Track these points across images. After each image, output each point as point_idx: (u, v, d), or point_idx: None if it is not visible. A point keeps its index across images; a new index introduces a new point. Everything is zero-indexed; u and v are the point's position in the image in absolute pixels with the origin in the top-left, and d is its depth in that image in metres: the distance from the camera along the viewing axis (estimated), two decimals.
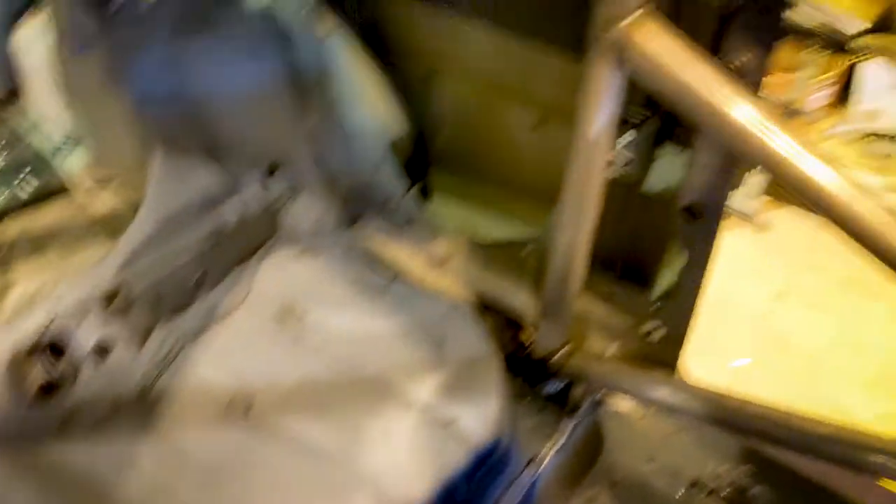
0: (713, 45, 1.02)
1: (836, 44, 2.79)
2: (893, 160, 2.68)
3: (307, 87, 1.43)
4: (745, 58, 0.94)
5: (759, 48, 0.92)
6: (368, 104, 1.48)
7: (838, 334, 2.46)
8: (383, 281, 1.42)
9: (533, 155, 1.48)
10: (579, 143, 1.05)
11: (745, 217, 2.77)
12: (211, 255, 1.36)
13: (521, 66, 1.36)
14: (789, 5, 0.88)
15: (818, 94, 2.80)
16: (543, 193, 1.40)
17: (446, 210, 1.61)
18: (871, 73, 2.72)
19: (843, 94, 2.87)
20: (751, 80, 0.94)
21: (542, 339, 1.33)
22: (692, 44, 0.91)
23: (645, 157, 1.18)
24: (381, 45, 1.50)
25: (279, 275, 1.42)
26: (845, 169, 0.85)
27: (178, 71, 1.35)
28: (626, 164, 1.18)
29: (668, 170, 1.18)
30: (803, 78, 2.46)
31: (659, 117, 1.17)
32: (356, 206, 1.55)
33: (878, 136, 2.81)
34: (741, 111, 0.87)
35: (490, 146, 1.55)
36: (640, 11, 0.89)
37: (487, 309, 1.44)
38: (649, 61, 0.91)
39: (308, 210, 1.51)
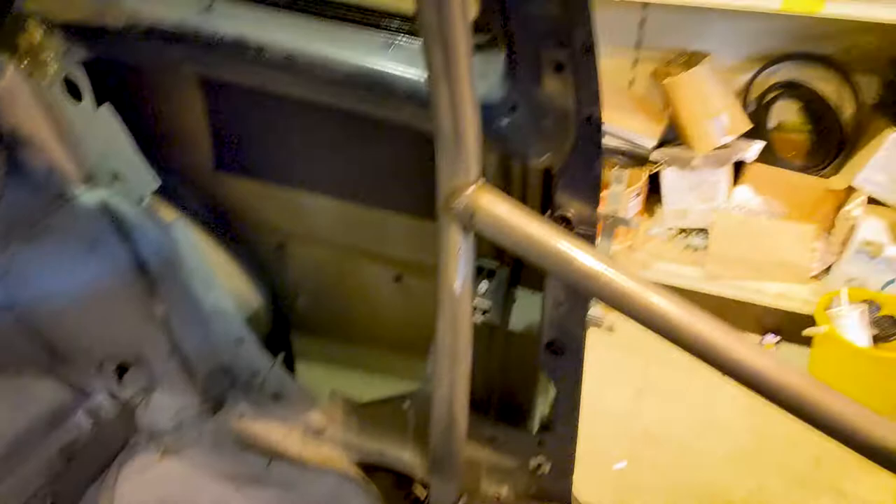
0: (543, 201, 1.13)
1: (637, 158, 3.16)
2: (706, 252, 3.01)
3: (154, 277, 1.38)
4: (574, 209, 1.04)
5: (586, 200, 1.03)
6: (220, 284, 1.45)
7: (697, 420, 2.64)
8: (260, 467, 1.34)
9: (395, 308, 1.51)
10: (443, 300, 1.09)
11: (594, 322, 2.95)
12: (63, 475, 1.23)
13: (372, 229, 1.41)
14: (601, 165, 1.00)
15: (632, 203, 3.13)
16: (411, 345, 1.42)
17: (316, 376, 1.58)
18: (670, 179, 3.09)
19: (654, 198, 3.22)
20: (584, 227, 1.04)
21: (437, 494, 1.31)
22: (525, 203, 1.00)
23: (502, 302, 1.25)
24: (228, 221, 1.50)
25: (143, 482, 1.30)
26: (678, 298, 0.95)
27: (7, 282, 1.26)
28: (486, 312, 1.23)
29: (527, 311, 1.25)
30: (617, 191, 2.73)
31: (508, 265, 1.25)
32: (219, 389, 1.48)
33: (689, 231, 3.16)
34: (578, 257, 0.96)
35: (351, 305, 1.57)
36: (478, 182, 0.97)
37: (375, 470, 1.40)
38: (493, 223, 0.98)
39: (167, 404, 1.41)
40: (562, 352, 1.16)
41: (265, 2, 1.11)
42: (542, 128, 1.00)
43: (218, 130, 1.40)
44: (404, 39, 1.07)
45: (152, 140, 1.34)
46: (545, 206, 1.16)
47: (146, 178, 1.32)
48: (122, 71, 1.31)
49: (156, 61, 1.19)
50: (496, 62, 0.99)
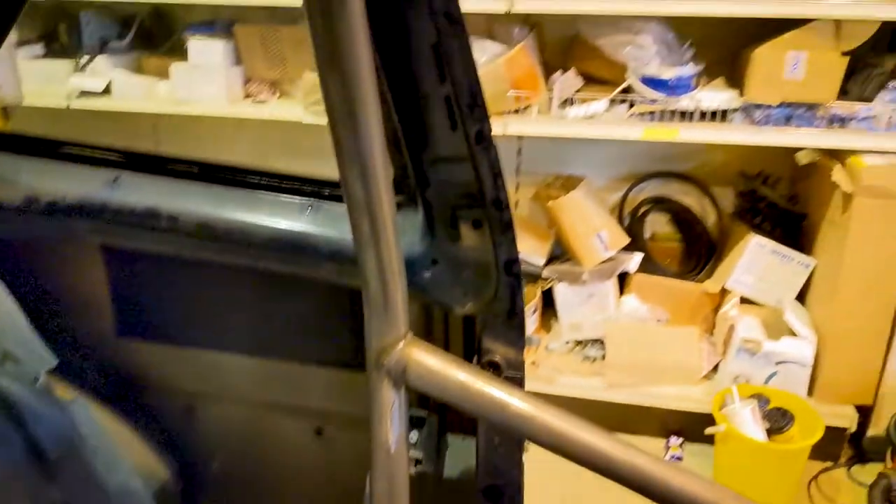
0: (467, 348, 1.16)
1: (530, 276, 3.30)
2: (604, 362, 3.12)
3: (52, 463, 1.26)
4: (501, 354, 1.07)
5: (511, 343, 1.06)
6: (125, 461, 1.35)
7: None
8: None
9: (317, 464, 1.45)
10: (378, 458, 1.06)
11: None
12: None
13: (288, 383, 1.37)
14: (523, 309, 1.04)
15: (531, 320, 3.23)
16: (337, 502, 1.36)
17: None
18: (562, 295, 3.24)
19: (549, 313, 3.34)
20: (513, 370, 1.07)
21: None
22: (448, 348, 1.03)
23: (434, 450, 1.23)
24: (132, 388, 1.41)
25: None
26: (610, 435, 0.98)
27: None
28: (419, 462, 1.21)
29: (459, 457, 1.24)
30: None
31: (435, 412, 1.25)
32: None
33: (585, 343, 3.29)
34: (512, 402, 0.97)
35: (268, 464, 1.49)
36: (407, 337, 0.98)
37: None
38: (426, 376, 0.99)
39: None
40: (499, 497, 1.15)
41: (175, 174, 1.12)
42: (464, 279, 1.03)
43: (120, 296, 1.34)
44: (318, 203, 1.10)
45: (48, 312, 1.26)
46: (467, 347, 1.18)
47: (41, 356, 1.23)
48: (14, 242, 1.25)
49: (58, 236, 1.14)
50: (415, 220, 1.03)
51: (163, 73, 3.16)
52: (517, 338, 1.06)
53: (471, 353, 1.15)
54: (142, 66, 3.32)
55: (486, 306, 1.04)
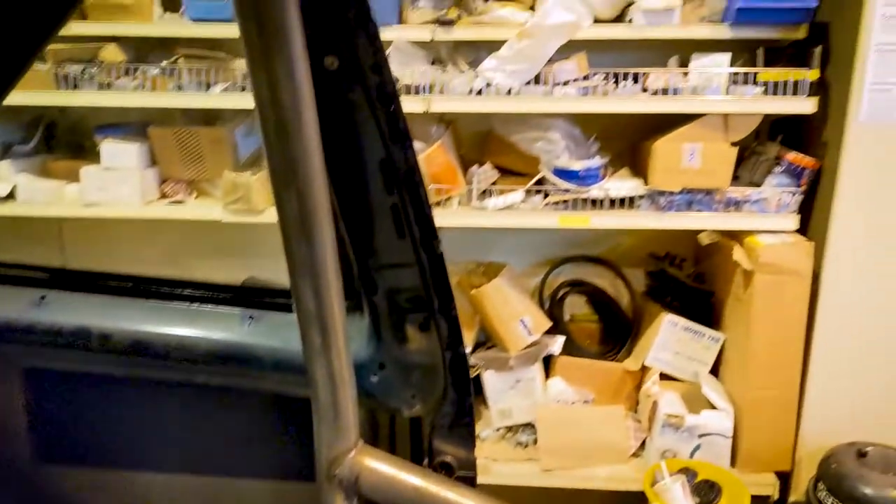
0: (414, 448, 1.15)
1: None
2: (536, 447, 3.13)
3: None
4: (452, 454, 1.07)
5: (461, 443, 1.06)
6: None
7: None
8: None
9: None
10: None
11: None
12: None
13: (229, 500, 1.31)
14: (472, 408, 1.05)
15: None
16: None
17: None
18: (490, 381, 3.25)
19: (478, 401, 3.33)
20: (464, 470, 1.07)
21: None
22: (395, 451, 1.02)
23: None
24: None
25: None
26: None
27: None
28: None
29: None
30: None
31: None
32: None
33: (516, 429, 3.29)
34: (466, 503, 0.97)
35: None
36: (357, 446, 0.97)
37: None
38: (379, 484, 0.97)
39: None
40: None
41: (105, 290, 1.08)
42: (412, 381, 1.04)
43: (39, 419, 1.26)
44: (260, 313, 1.09)
45: None
46: (415, 448, 1.17)
47: None
48: None
49: None
50: (361, 325, 1.04)
51: (71, 176, 3.07)
52: (467, 436, 1.06)
53: (419, 453, 1.14)
54: (48, 169, 3.23)
55: (435, 407, 1.04)
